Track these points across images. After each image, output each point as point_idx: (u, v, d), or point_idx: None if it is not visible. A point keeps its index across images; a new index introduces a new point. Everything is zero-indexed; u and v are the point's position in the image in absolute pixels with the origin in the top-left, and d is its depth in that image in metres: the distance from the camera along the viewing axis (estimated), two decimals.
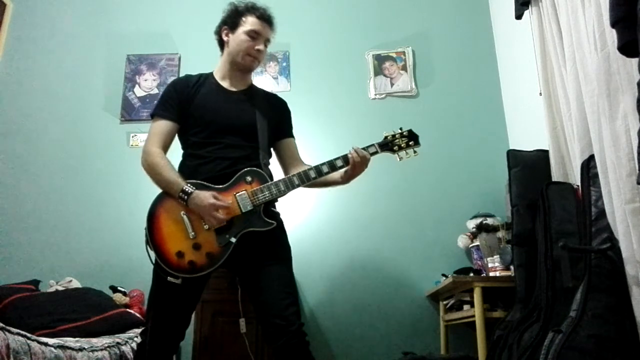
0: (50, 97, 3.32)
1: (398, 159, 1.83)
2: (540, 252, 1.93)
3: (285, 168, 1.90)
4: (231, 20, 1.86)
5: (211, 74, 1.91)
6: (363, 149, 1.75)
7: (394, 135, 1.82)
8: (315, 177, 1.71)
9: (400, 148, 1.81)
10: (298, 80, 3.32)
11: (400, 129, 1.83)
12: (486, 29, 3.35)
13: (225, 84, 1.88)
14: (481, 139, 3.12)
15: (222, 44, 1.91)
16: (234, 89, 1.88)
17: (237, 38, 1.83)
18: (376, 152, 1.78)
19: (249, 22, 1.83)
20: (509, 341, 1.88)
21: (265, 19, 1.85)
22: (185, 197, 1.63)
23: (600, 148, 1.72)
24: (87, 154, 3.19)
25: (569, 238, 1.79)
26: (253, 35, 1.83)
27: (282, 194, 1.71)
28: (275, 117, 1.90)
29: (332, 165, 1.72)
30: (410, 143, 1.82)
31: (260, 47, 1.85)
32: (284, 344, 1.55)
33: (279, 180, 1.71)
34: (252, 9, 1.85)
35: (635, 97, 1.39)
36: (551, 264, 1.81)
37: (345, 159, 1.72)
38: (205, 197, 1.62)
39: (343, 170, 1.75)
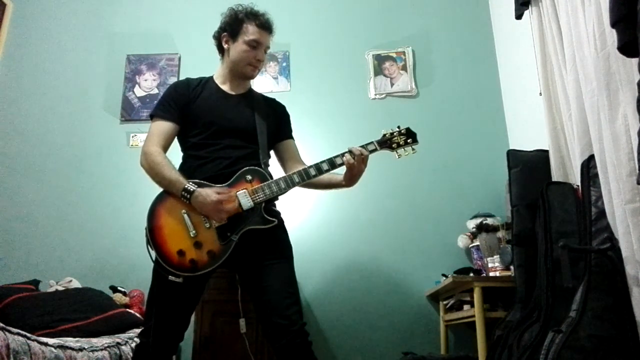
0: (51, 97, 3.32)
1: (397, 157, 1.84)
2: (540, 252, 1.93)
3: (286, 169, 1.90)
4: (231, 28, 1.85)
5: (211, 78, 1.92)
6: (361, 146, 1.75)
7: (392, 133, 1.83)
8: (316, 175, 1.72)
9: (399, 146, 1.83)
10: (298, 80, 3.32)
11: (398, 127, 1.85)
12: (486, 29, 3.35)
13: (225, 87, 1.90)
14: (481, 139, 3.12)
15: (221, 49, 1.92)
16: (233, 93, 1.89)
17: (238, 47, 1.84)
18: (375, 150, 1.79)
19: (250, 32, 1.82)
20: (509, 341, 1.88)
21: (266, 27, 1.85)
22: (188, 195, 1.63)
23: (600, 148, 1.72)
24: (87, 154, 3.20)
25: (569, 238, 1.79)
26: (254, 44, 1.83)
27: (282, 191, 1.71)
28: (274, 120, 1.91)
29: (332, 163, 1.73)
30: (409, 141, 1.83)
31: (261, 57, 1.86)
32: (286, 344, 1.55)
33: (280, 178, 1.72)
34: (252, 16, 1.84)
35: (635, 97, 1.39)
36: (551, 264, 1.81)
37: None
38: (208, 194, 1.62)
39: (343, 173, 1.76)
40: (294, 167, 1.84)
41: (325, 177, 1.76)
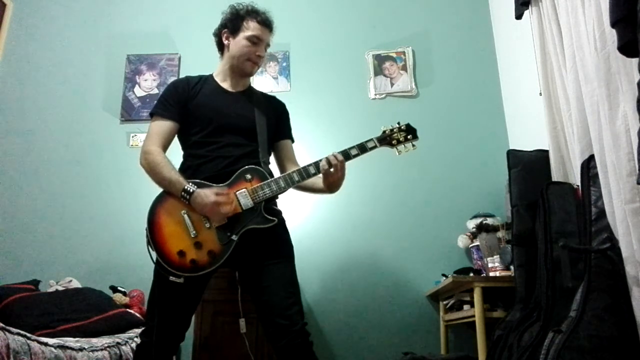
0: (51, 97, 3.32)
1: (397, 153, 1.84)
2: (540, 252, 1.93)
3: (282, 169, 1.91)
4: (232, 24, 1.86)
5: (211, 75, 1.92)
6: (357, 145, 1.74)
7: (392, 130, 1.84)
8: (315, 173, 1.72)
9: (399, 142, 1.83)
10: (298, 80, 3.32)
11: (398, 123, 1.85)
12: (486, 29, 3.34)
13: (225, 85, 1.90)
14: (481, 139, 3.12)
15: (221, 46, 1.92)
16: (233, 90, 1.90)
17: (238, 43, 1.85)
18: (375, 147, 1.79)
19: (251, 27, 1.84)
20: (509, 341, 1.88)
21: (267, 24, 1.87)
22: (188, 196, 1.63)
23: (600, 148, 1.72)
24: (87, 154, 3.20)
25: (569, 238, 1.79)
26: (254, 40, 1.84)
27: (282, 190, 1.71)
28: (274, 118, 1.91)
29: (330, 162, 1.72)
30: (409, 137, 1.84)
31: (261, 52, 1.87)
32: (287, 344, 1.55)
33: (279, 177, 1.72)
34: (253, 13, 1.86)
35: (635, 97, 1.39)
36: (551, 264, 1.81)
37: (344, 154, 1.73)
38: (207, 195, 1.62)
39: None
40: (289, 168, 1.84)
41: (309, 181, 1.75)
